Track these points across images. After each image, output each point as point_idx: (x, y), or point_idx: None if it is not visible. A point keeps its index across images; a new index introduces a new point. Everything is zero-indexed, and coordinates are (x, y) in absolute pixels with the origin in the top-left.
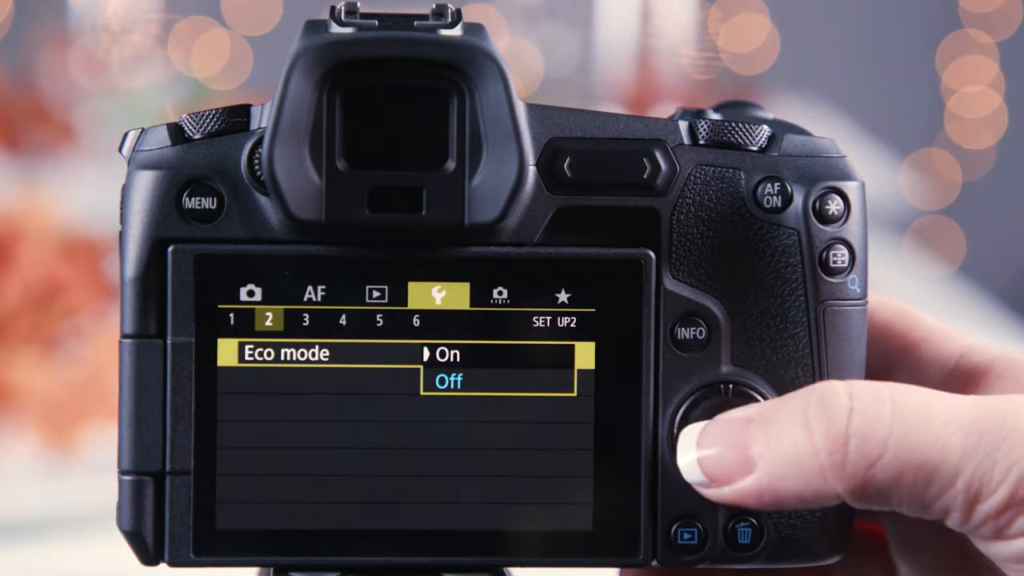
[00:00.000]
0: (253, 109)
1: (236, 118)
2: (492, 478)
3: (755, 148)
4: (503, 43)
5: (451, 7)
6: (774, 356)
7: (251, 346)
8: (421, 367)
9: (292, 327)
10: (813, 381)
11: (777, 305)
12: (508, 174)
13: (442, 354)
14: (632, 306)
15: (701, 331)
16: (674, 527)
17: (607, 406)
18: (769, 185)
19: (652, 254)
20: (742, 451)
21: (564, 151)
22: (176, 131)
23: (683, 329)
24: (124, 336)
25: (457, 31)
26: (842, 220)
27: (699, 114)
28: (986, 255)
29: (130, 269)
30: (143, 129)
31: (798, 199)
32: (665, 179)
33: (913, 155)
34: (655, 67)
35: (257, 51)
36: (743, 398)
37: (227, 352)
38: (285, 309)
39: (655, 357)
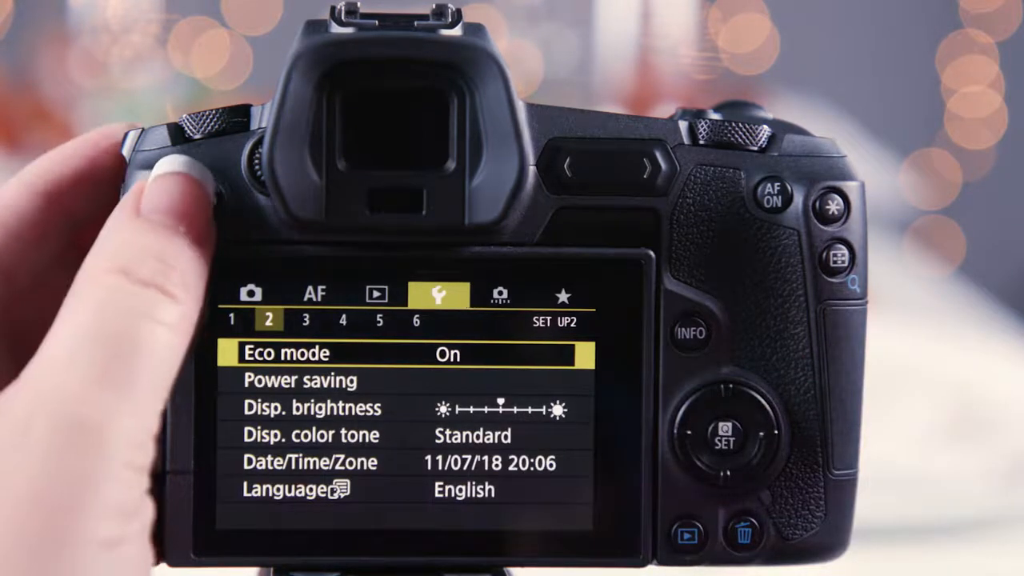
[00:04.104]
0: (253, 109)
1: (236, 118)
2: (492, 478)
3: (755, 148)
4: (503, 43)
5: (451, 7)
6: (774, 356)
7: (251, 346)
8: (421, 367)
9: (292, 327)
10: (814, 380)
11: (777, 305)
12: (508, 174)
13: (442, 354)
14: (632, 306)
15: (701, 331)
16: (674, 527)
17: (607, 406)
18: (769, 185)
19: (652, 254)
20: None
21: (564, 151)
22: (176, 131)
23: (683, 329)
24: None
25: (457, 31)
26: (842, 220)
27: (699, 114)
28: (986, 255)
29: None
30: (143, 129)
31: (798, 199)
32: (665, 179)
33: (913, 155)
34: (655, 67)
35: (257, 51)
36: (743, 398)
37: (227, 352)
38: (285, 309)
39: (655, 357)
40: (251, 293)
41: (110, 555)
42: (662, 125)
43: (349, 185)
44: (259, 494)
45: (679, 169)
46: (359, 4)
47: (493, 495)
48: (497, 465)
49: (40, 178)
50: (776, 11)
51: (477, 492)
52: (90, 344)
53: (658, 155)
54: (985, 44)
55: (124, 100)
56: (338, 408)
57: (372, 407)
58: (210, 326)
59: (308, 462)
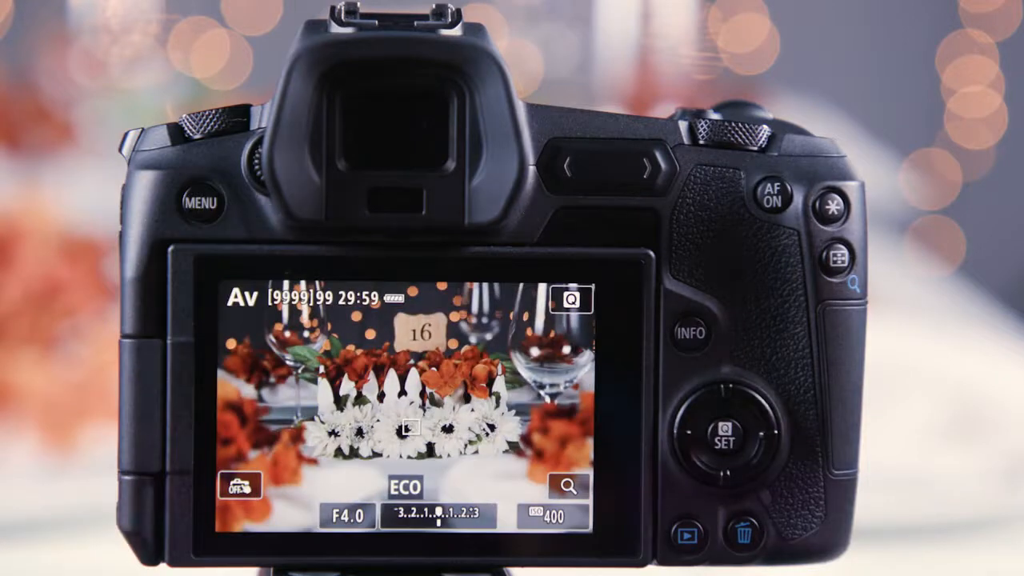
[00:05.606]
0: (253, 109)
1: (236, 118)
2: (492, 477)
3: (755, 148)
4: (503, 43)
5: (451, 7)
6: (774, 356)
7: (252, 345)
8: (420, 367)
9: (292, 327)
10: (813, 380)
11: (777, 305)
12: (508, 174)
13: (446, 354)
14: (632, 306)
15: (701, 331)
16: (674, 527)
17: (607, 406)
18: (769, 185)
19: (652, 254)
20: None
21: (564, 151)
22: (176, 131)
23: (683, 329)
24: (124, 336)
25: (457, 31)
26: (842, 220)
27: (699, 114)
28: (986, 255)
29: (130, 269)
30: (143, 129)
31: (798, 199)
32: (665, 179)
33: (913, 155)
34: (655, 67)
35: (257, 51)
36: (743, 398)
37: (227, 352)
38: (285, 308)
39: (655, 357)
40: (251, 293)
41: None
42: (662, 125)
43: (349, 185)
44: (259, 494)
45: (679, 169)
46: (359, 4)
47: (493, 495)
48: (497, 463)
49: None
50: (776, 11)
51: (478, 492)
52: None
53: (658, 155)
54: (985, 44)
55: (124, 100)
56: (337, 407)
57: (371, 407)
58: (210, 326)
59: (309, 462)
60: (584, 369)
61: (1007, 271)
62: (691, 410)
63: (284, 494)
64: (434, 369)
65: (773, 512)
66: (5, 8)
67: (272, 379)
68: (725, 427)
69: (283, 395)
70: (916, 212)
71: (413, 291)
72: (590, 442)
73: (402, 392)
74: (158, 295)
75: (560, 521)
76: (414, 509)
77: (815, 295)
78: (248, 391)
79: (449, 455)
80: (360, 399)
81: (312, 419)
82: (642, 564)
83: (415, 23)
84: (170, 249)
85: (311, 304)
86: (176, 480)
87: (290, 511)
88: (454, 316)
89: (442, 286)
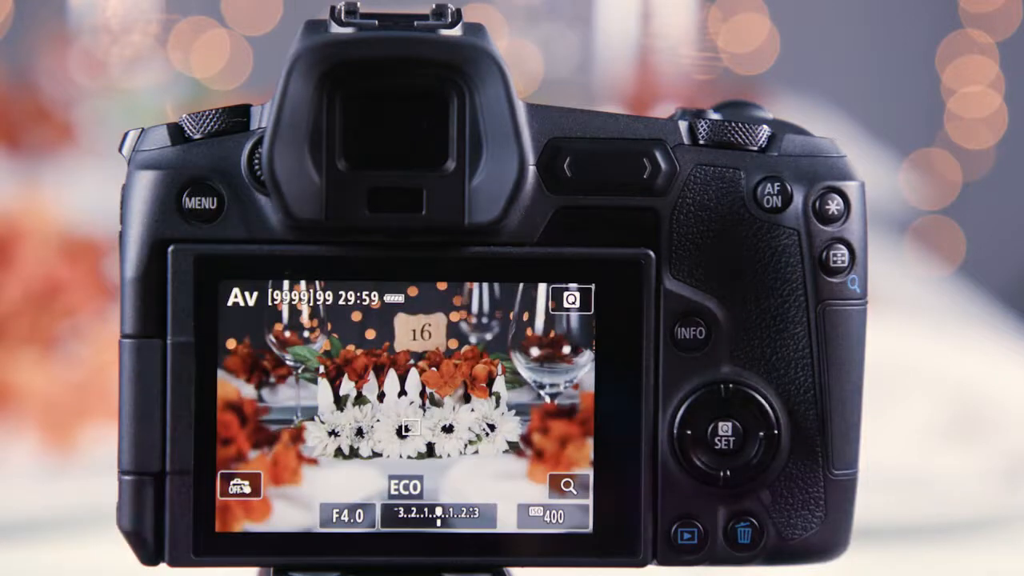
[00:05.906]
0: (253, 109)
1: (236, 118)
2: (492, 477)
3: (755, 148)
4: (503, 43)
5: (451, 7)
6: (774, 356)
7: (252, 345)
8: (420, 367)
9: (292, 327)
10: (813, 380)
11: (777, 305)
12: (508, 174)
13: (446, 354)
14: (632, 306)
15: (701, 331)
16: (674, 527)
17: (607, 406)
18: (769, 185)
19: (652, 254)
20: None
21: (564, 151)
22: (176, 131)
23: (683, 329)
24: (124, 336)
25: (457, 31)
26: (842, 220)
27: (699, 114)
28: (986, 255)
29: (130, 269)
30: (143, 129)
31: (798, 199)
32: (665, 179)
33: (913, 155)
34: (655, 67)
35: (257, 51)
36: (743, 398)
37: (228, 352)
38: (285, 309)
39: (655, 357)
40: (251, 293)
41: None
42: (662, 125)
43: (349, 185)
44: (259, 494)
45: (679, 169)
46: (359, 4)
47: (493, 495)
48: (497, 463)
49: None
50: (776, 11)
51: (477, 492)
52: None
53: (658, 155)
54: (985, 44)
55: (124, 100)
56: (337, 407)
57: (371, 407)
58: (210, 326)
59: (308, 462)
60: (584, 369)
61: (1007, 271)
62: (691, 410)
63: (284, 494)
64: (434, 369)
65: (773, 512)
66: (5, 8)
67: (272, 379)
68: (725, 427)
69: (283, 395)
70: (916, 212)
71: (413, 291)
72: (590, 442)
73: (402, 392)
74: (158, 295)
75: (560, 521)
76: (414, 509)
77: (815, 295)
78: (248, 391)
79: (449, 455)
80: (360, 399)
81: (312, 419)
82: (642, 564)
83: (415, 23)
84: (170, 249)
85: (311, 304)
86: (176, 480)
87: (290, 511)
88: (454, 316)
89: (442, 286)
